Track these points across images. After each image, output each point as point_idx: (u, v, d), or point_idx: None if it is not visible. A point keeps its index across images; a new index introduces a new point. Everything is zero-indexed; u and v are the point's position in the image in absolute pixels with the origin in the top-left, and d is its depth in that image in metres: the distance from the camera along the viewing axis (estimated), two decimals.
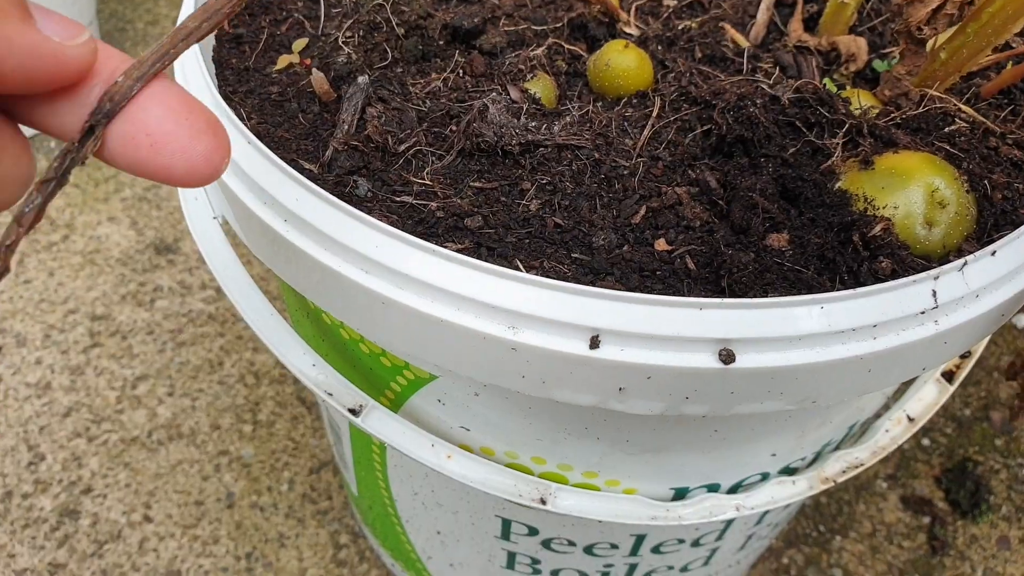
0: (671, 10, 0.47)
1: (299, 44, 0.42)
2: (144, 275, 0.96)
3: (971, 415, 0.82)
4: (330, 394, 0.42)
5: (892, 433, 0.46)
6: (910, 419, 0.47)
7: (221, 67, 0.43)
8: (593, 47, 0.45)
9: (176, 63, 0.42)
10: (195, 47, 0.41)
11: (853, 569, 0.74)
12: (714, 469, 0.44)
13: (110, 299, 0.93)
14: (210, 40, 0.45)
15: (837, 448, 0.48)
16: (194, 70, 0.40)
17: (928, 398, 0.48)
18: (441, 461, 0.41)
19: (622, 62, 0.41)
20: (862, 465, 0.46)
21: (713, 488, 0.45)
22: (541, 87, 0.40)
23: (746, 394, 0.32)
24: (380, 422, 0.42)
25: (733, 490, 0.46)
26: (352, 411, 0.42)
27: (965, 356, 0.48)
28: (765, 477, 0.46)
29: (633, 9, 0.47)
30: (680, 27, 0.46)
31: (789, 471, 0.47)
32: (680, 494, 0.45)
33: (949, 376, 0.48)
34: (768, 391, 0.32)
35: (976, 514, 0.74)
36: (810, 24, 0.48)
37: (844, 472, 0.45)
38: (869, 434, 0.46)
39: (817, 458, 0.48)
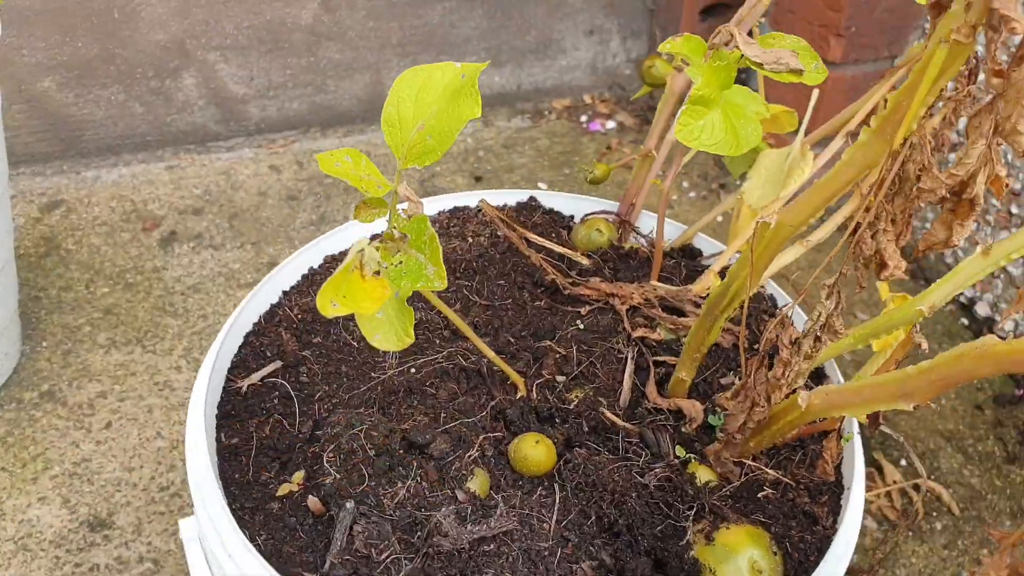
0: (562, 385, 0.64)
1: (298, 476, 0.55)
2: (79, 555, 1.00)
3: None
4: None
5: None
6: None
7: (226, 483, 0.55)
8: (509, 427, 0.60)
9: (192, 482, 0.53)
10: (208, 464, 0.53)
11: None
12: None
13: None
14: (213, 455, 0.57)
15: None
16: (212, 494, 0.52)
17: None
18: None
19: (534, 455, 0.56)
20: None
21: None
22: (478, 483, 0.55)
23: None
24: None
25: None
26: None
27: None
28: None
29: (535, 387, 0.63)
30: (570, 401, 0.62)
31: None
32: None
33: None
34: None
35: None
36: (662, 381, 0.66)
37: None
38: None
39: None
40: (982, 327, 1.46)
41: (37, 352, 1.20)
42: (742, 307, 0.56)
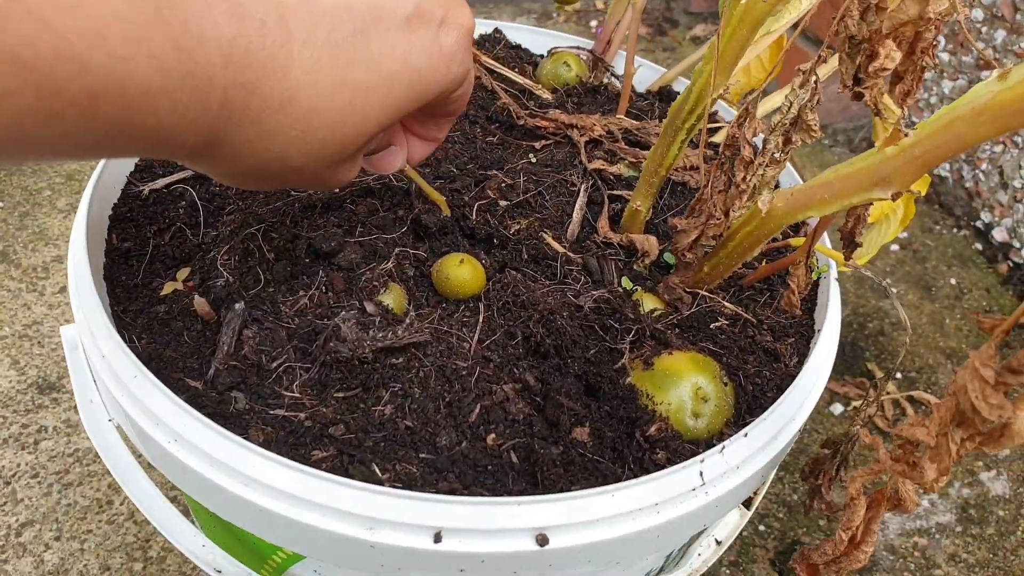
0: (503, 210, 0.57)
1: (183, 273, 0.49)
2: (27, 416, 0.97)
3: (798, 499, 0.94)
4: (219, 572, 0.48)
5: (704, 556, 0.56)
6: (718, 542, 0.57)
7: (112, 285, 0.49)
8: (433, 246, 0.53)
9: (71, 281, 0.47)
10: (87, 265, 0.47)
11: None
12: None
13: None
14: (100, 256, 0.51)
15: (660, 573, 0.57)
16: (88, 291, 0.46)
17: (731, 523, 0.58)
18: None
19: (459, 275, 0.50)
20: None
21: None
22: (393, 298, 0.49)
23: (561, 564, 0.41)
24: None
25: None
26: None
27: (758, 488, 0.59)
28: None
29: (474, 210, 0.56)
30: (511, 228, 0.55)
31: None
32: None
33: (748, 503, 0.58)
34: (579, 561, 0.41)
35: None
36: (616, 218, 0.58)
37: None
38: (685, 559, 0.56)
39: None
40: (998, 253, 1.36)
41: None
42: (706, 120, 0.49)
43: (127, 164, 0.56)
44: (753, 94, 0.44)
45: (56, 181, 1.20)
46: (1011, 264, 1.34)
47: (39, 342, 1.04)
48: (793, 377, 0.48)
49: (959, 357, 1.23)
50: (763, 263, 0.54)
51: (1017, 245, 1.33)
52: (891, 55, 0.43)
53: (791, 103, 0.44)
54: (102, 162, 0.53)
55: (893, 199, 0.38)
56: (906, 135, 0.38)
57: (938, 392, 1.17)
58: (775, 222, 0.44)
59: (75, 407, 0.98)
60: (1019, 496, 1.05)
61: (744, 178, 0.45)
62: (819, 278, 0.54)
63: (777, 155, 0.45)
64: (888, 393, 1.18)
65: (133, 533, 0.89)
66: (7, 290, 1.06)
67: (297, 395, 0.44)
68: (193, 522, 0.52)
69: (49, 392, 0.99)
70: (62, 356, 1.03)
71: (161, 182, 0.55)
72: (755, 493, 0.59)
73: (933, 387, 1.17)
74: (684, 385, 0.44)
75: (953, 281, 1.32)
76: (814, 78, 0.44)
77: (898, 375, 1.19)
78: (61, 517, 0.89)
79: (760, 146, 0.46)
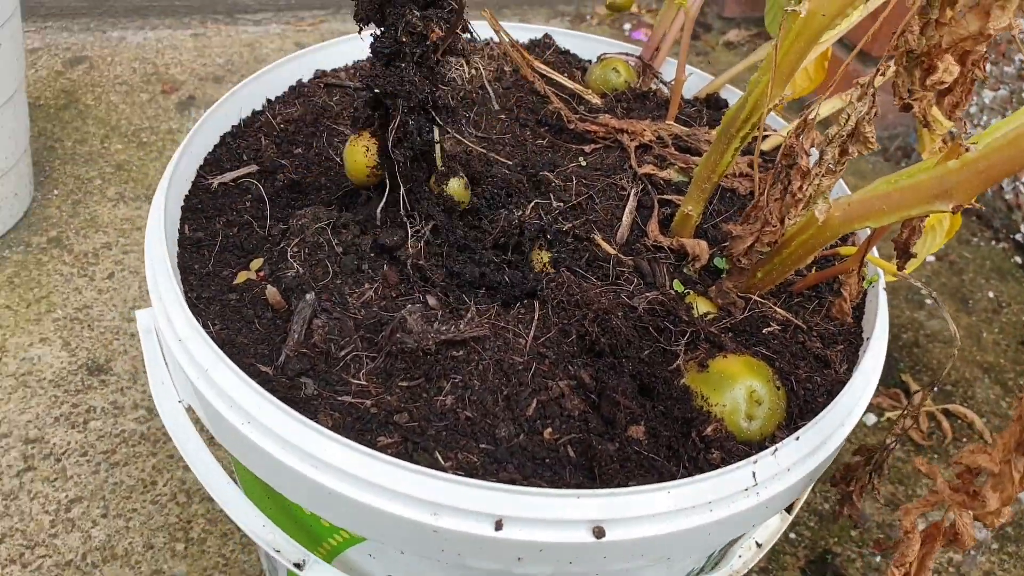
0: (558, 211, 0.58)
1: (256, 263, 0.51)
2: (77, 396, 1.00)
3: (830, 508, 0.95)
4: (277, 551, 0.50)
5: (744, 558, 0.57)
6: (758, 545, 0.58)
7: (185, 273, 0.52)
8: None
9: (149, 268, 0.50)
10: (164, 253, 0.49)
11: None
12: None
13: (43, 421, 0.96)
14: (174, 245, 0.53)
15: (700, 573, 0.58)
16: (165, 278, 0.48)
17: (772, 526, 0.59)
18: None
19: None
20: None
21: None
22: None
23: (615, 557, 0.42)
24: (320, 575, 0.50)
25: None
26: (296, 565, 0.50)
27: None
28: None
29: (531, 207, 0.57)
30: (565, 228, 0.57)
31: None
32: None
33: (789, 507, 0.59)
34: (632, 555, 0.42)
35: None
36: (666, 223, 0.60)
37: None
38: (725, 560, 0.57)
39: None
40: None
41: (48, 200, 1.18)
42: (760, 129, 0.50)
43: (197, 158, 0.58)
44: (812, 105, 0.45)
45: (107, 171, 1.23)
46: None
47: (89, 325, 1.08)
48: (843, 383, 0.49)
49: (997, 372, 1.22)
50: (812, 270, 0.55)
51: None
52: (949, 69, 0.44)
53: (849, 115, 0.45)
54: (175, 156, 0.55)
55: (954, 212, 0.39)
56: (967, 150, 0.39)
57: (974, 407, 1.16)
58: (831, 231, 0.45)
59: (122, 389, 1.01)
60: None
61: (801, 187, 0.46)
62: (868, 286, 0.55)
63: (833, 166, 0.46)
64: (924, 406, 1.18)
65: (175, 514, 0.91)
66: (60, 275, 1.10)
67: (363, 383, 0.46)
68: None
69: (98, 374, 1.02)
70: (110, 340, 1.06)
71: (229, 176, 0.58)
72: (797, 498, 0.60)
73: (969, 401, 1.16)
74: (739, 388, 0.45)
75: (991, 294, 1.32)
76: (871, 91, 0.45)
77: (934, 388, 1.18)
78: (108, 495, 0.92)
79: (816, 156, 0.47)
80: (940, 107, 0.48)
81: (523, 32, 0.75)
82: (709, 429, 0.43)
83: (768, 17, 0.76)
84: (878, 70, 0.44)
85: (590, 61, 0.76)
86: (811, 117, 0.45)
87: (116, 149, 1.26)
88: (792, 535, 0.92)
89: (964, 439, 1.13)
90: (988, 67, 1.38)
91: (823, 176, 0.46)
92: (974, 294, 1.32)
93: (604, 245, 0.55)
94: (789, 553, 0.91)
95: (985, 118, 1.41)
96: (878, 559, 0.93)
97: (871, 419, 1.09)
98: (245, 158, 0.60)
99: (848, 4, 0.44)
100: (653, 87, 0.72)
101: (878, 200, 0.41)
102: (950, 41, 0.39)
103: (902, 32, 0.43)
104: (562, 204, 0.58)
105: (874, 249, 0.58)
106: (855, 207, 0.43)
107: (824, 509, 0.96)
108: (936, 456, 1.09)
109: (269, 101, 0.65)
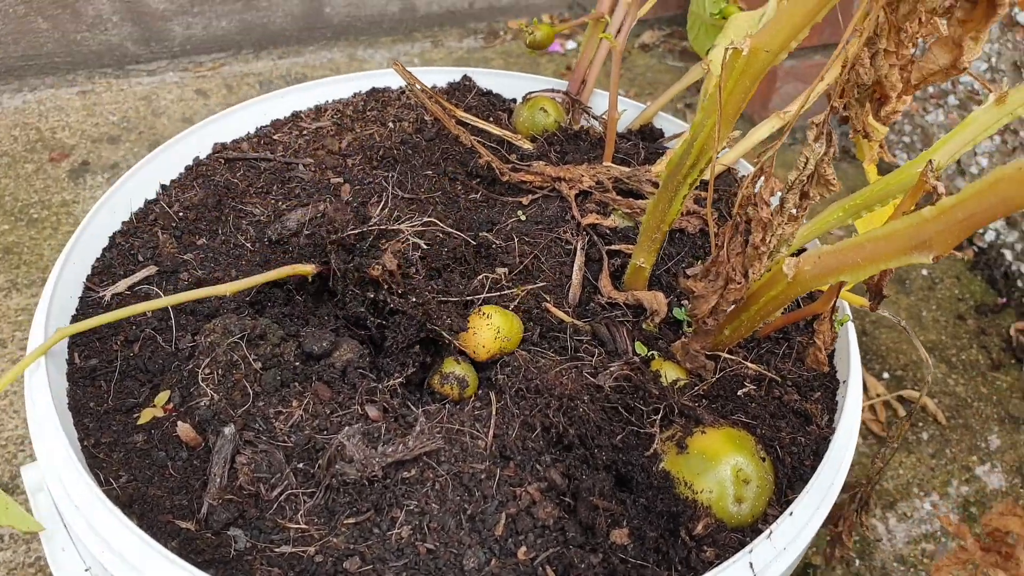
0: (503, 279, 0.53)
1: (161, 397, 0.44)
2: None
3: (822, 560, 0.92)
4: None
5: None
6: None
7: (79, 414, 0.44)
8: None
9: (31, 416, 0.42)
10: (48, 396, 0.42)
11: None
12: None
13: None
14: (62, 382, 0.46)
15: None
16: (52, 429, 0.41)
17: None
18: None
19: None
20: None
21: None
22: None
23: None
24: None
25: None
26: None
27: None
28: None
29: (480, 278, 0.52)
30: (512, 295, 0.52)
31: None
32: None
33: None
34: None
35: None
36: (618, 274, 0.55)
37: None
38: None
39: None
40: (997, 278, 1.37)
41: None
42: (710, 173, 0.46)
43: (83, 266, 0.51)
44: (769, 149, 0.41)
45: None
46: (976, 249, 1.35)
47: None
48: (827, 440, 0.45)
49: (940, 349, 1.23)
50: (779, 313, 0.51)
51: (980, 230, 1.34)
52: (903, 98, 0.41)
53: (807, 158, 0.41)
54: (57, 267, 0.48)
55: (934, 262, 0.35)
56: (940, 196, 0.35)
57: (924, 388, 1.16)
58: (802, 287, 0.41)
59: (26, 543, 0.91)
60: (1015, 488, 1.05)
61: (764, 239, 0.42)
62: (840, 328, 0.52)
63: (795, 211, 0.42)
64: (878, 395, 1.17)
65: None
66: None
67: (303, 526, 0.40)
68: None
69: None
70: (12, 454, 0.96)
71: (123, 284, 0.50)
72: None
73: (920, 384, 1.16)
74: (723, 468, 0.41)
75: (925, 272, 1.33)
76: (827, 129, 0.41)
77: (885, 375, 1.18)
78: None
79: (776, 203, 0.43)
80: (877, 117, 0.45)
81: (440, 76, 0.69)
82: (700, 526, 0.39)
83: (691, 34, 0.73)
84: (832, 108, 0.40)
85: (515, 100, 0.71)
86: (768, 166, 0.41)
87: (2, 230, 1.15)
88: None
89: (920, 423, 1.13)
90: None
91: (785, 224, 0.42)
92: (909, 273, 1.33)
93: (556, 312, 0.50)
94: None
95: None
96: None
97: None
98: (141, 259, 0.52)
99: (791, 38, 0.40)
100: (585, 124, 0.67)
101: (851, 252, 0.38)
102: (919, 77, 0.36)
103: (853, 66, 0.40)
104: (506, 270, 0.53)
105: None
106: (827, 260, 0.39)
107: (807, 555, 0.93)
108: (896, 446, 1.09)
109: (163, 186, 0.58)
